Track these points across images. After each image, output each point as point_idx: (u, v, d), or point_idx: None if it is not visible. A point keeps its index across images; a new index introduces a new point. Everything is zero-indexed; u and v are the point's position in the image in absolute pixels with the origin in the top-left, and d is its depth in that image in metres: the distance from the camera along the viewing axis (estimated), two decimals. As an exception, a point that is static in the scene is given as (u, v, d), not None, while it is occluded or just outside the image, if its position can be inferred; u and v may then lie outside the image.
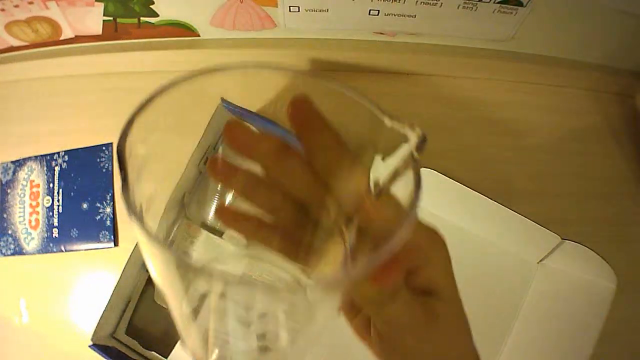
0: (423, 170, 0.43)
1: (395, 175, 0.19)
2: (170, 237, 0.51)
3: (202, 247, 0.51)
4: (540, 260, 0.46)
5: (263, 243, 0.24)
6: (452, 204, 0.46)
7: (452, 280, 0.22)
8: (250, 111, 0.50)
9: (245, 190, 0.23)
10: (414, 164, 0.19)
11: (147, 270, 0.51)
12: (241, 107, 0.50)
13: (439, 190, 0.44)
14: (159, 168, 0.60)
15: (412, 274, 0.20)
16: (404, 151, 0.19)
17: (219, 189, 0.52)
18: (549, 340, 0.44)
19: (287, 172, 0.22)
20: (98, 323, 0.45)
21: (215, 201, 0.52)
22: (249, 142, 0.22)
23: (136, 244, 0.47)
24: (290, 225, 0.23)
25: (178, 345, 0.49)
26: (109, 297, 0.46)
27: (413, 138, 0.19)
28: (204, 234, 0.51)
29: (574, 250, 0.43)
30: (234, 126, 0.22)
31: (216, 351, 0.22)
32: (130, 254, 0.47)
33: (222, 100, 0.50)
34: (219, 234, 0.51)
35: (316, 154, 0.21)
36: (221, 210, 0.24)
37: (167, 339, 0.50)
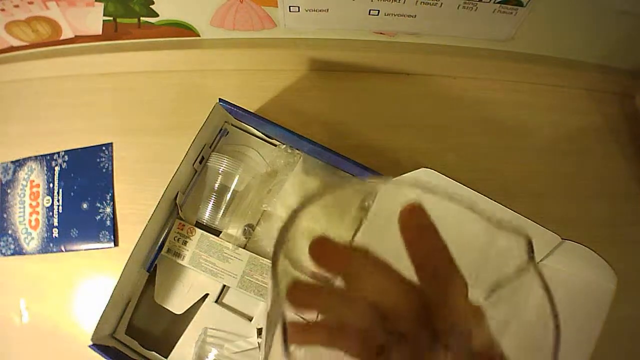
0: (422, 170, 0.43)
1: (499, 283, 0.19)
2: (161, 239, 0.51)
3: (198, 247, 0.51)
4: (540, 260, 0.46)
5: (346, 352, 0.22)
6: (451, 202, 0.46)
7: None
8: (248, 111, 0.50)
9: (331, 308, 0.21)
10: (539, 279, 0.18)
11: (147, 270, 0.51)
12: (238, 107, 0.50)
13: (436, 188, 0.44)
14: (153, 168, 0.60)
15: None
16: (511, 258, 0.19)
17: (216, 187, 0.52)
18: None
19: (376, 285, 0.20)
20: (98, 323, 0.45)
21: (212, 200, 0.52)
22: (336, 257, 0.20)
23: (136, 244, 0.47)
24: (379, 338, 0.21)
25: (178, 345, 0.49)
26: (109, 297, 0.46)
27: (522, 244, 0.19)
28: (199, 233, 0.51)
29: (574, 250, 0.43)
30: (321, 243, 0.20)
31: None
32: (130, 254, 0.46)
33: (220, 99, 0.50)
34: (216, 233, 0.51)
35: (423, 266, 0.21)
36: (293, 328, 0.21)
37: (167, 338, 0.50)
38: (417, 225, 0.20)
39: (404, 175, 0.45)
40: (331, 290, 0.21)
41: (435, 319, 0.20)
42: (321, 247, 0.21)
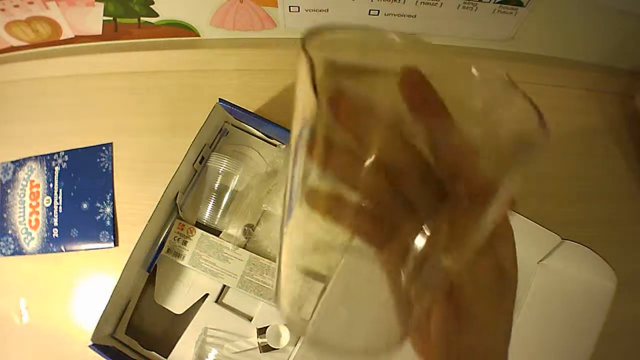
0: None
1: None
2: (161, 239, 0.51)
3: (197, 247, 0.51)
4: (540, 260, 0.46)
5: (363, 235, 0.21)
6: None
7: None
8: (248, 110, 0.50)
9: (343, 169, 0.19)
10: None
11: (147, 270, 0.51)
12: (238, 107, 0.50)
13: None
14: (153, 168, 0.60)
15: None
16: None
17: (216, 187, 0.52)
18: (549, 339, 0.44)
19: (384, 142, 0.19)
20: (98, 323, 0.45)
21: (212, 200, 0.52)
22: (354, 115, 0.18)
23: (136, 244, 0.47)
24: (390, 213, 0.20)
25: (178, 345, 0.49)
26: (109, 297, 0.46)
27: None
28: (199, 233, 0.51)
29: (574, 250, 0.43)
30: (340, 96, 0.18)
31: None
32: (130, 254, 0.46)
33: (220, 99, 0.50)
34: (215, 233, 0.51)
35: (431, 138, 0.19)
36: (312, 195, 0.20)
37: (167, 338, 0.50)
38: (421, 95, 0.20)
39: None
40: (345, 148, 0.19)
41: (439, 168, 0.19)
42: (340, 100, 0.19)
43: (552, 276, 0.46)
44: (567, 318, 0.44)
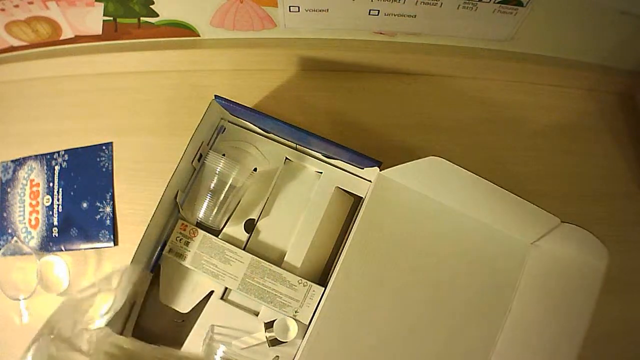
0: (430, 158, 0.44)
1: None
2: (163, 239, 0.51)
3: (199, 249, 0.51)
4: (537, 240, 0.47)
5: None
6: (456, 190, 0.47)
7: None
8: (245, 106, 0.50)
9: None
10: None
11: (150, 271, 0.51)
12: (234, 102, 0.49)
13: (444, 176, 0.45)
14: (153, 168, 0.60)
15: None
16: None
17: (212, 186, 0.52)
18: (544, 317, 0.44)
19: None
20: (105, 327, 0.45)
21: (208, 198, 0.51)
22: None
23: (139, 244, 0.47)
24: None
25: (186, 344, 0.49)
26: (113, 300, 0.45)
27: None
28: (201, 234, 0.51)
29: (571, 231, 0.43)
30: None
31: None
32: (133, 254, 0.46)
33: (216, 96, 0.50)
34: (216, 234, 0.51)
35: None
36: None
37: (174, 338, 0.49)
38: None
39: (413, 162, 0.45)
40: None
41: None
42: None
43: (546, 255, 0.46)
44: (562, 292, 0.45)
